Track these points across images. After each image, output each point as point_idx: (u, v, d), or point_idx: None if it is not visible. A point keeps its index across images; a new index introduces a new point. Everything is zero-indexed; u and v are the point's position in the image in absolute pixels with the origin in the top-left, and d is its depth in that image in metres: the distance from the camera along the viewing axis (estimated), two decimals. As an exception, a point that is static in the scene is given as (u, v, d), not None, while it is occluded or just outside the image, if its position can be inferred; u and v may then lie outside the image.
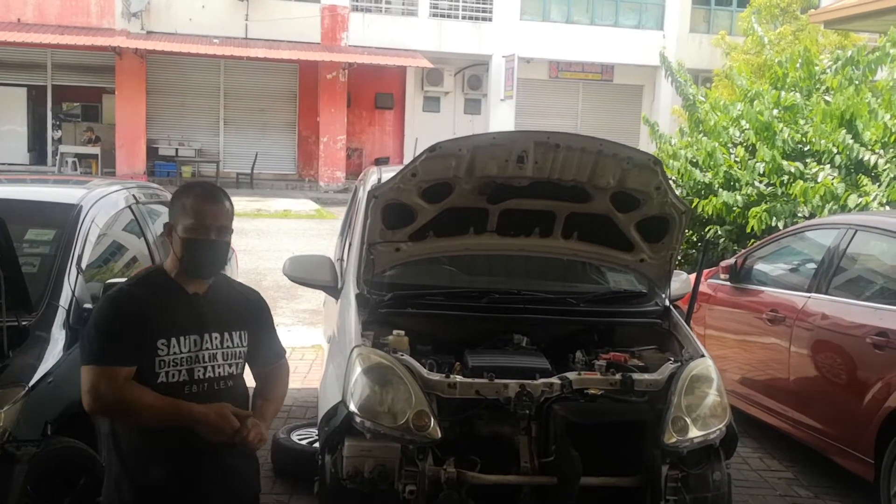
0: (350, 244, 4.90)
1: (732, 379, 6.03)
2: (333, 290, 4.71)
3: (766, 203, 7.81)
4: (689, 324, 4.43)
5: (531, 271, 4.95)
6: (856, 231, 5.46)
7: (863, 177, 7.47)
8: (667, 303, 4.50)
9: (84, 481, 3.52)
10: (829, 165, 7.85)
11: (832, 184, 7.40)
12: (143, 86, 22.50)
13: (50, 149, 23.16)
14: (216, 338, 2.63)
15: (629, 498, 3.69)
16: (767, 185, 8.17)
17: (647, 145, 13.36)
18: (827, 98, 8.85)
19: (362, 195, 4.93)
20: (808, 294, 5.52)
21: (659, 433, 3.65)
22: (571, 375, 3.82)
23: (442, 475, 3.56)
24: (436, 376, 3.72)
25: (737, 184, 8.30)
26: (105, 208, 4.70)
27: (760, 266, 6.38)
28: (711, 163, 8.57)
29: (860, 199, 7.04)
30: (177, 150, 23.09)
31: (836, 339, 5.20)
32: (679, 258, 6.80)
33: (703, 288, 6.42)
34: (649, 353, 4.29)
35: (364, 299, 4.21)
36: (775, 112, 8.74)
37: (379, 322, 4.18)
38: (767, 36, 15.88)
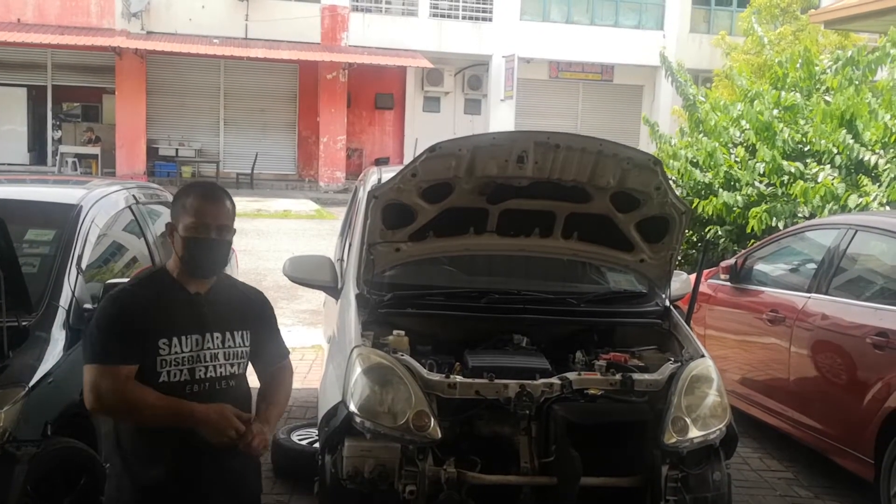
0: (350, 244, 4.90)
1: (732, 379, 6.03)
2: (333, 290, 4.71)
3: (766, 203, 7.81)
4: (689, 324, 4.43)
5: (531, 271, 4.95)
6: (856, 231, 5.46)
7: (863, 177, 7.47)
8: (667, 303, 4.50)
9: (84, 481, 3.53)
10: (829, 166, 7.85)
11: (832, 184, 7.40)
12: (143, 86, 22.51)
13: (50, 149, 23.16)
14: (217, 337, 2.63)
15: (629, 498, 3.69)
16: (767, 185, 8.17)
17: (647, 145, 13.37)
18: (827, 98, 8.85)
19: (362, 195, 4.93)
20: (809, 294, 5.52)
21: (659, 433, 3.65)
22: (571, 376, 3.82)
23: (442, 475, 3.56)
24: (436, 376, 3.72)
25: (737, 184, 8.30)
26: (105, 208, 4.70)
27: (760, 266, 6.38)
28: (711, 163, 8.57)
29: (860, 200, 7.04)
30: (177, 150, 23.09)
31: (836, 340, 5.20)
32: (679, 258, 6.81)
33: (703, 288, 6.42)
34: (649, 354, 4.30)
35: (364, 299, 4.21)
36: (775, 112, 8.74)
37: (379, 322, 4.18)
38: (767, 36, 15.88)
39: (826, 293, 5.40)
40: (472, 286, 4.64)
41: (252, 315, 2.76)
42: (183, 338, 2.57)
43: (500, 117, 24.47)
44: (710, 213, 8.26)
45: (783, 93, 8.92)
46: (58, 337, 3.79)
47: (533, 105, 25.54)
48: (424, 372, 3.71)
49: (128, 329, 2.51)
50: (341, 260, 5.11)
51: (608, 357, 4.07)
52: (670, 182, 4.11)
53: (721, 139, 8.97)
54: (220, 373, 2.63)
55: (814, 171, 7.79)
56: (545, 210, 4.25)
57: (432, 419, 3.55)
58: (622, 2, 25.54)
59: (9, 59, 22.41)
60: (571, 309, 4.42)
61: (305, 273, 4.78)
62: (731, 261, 6.57)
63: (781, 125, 8.47)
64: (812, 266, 5.80)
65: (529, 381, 3.72)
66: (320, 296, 5.81)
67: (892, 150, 7.46)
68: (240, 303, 2.75)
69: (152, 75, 22.89)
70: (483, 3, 24.66)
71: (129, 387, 2.47)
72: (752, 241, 7.64)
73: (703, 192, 8.69)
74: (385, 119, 25.77)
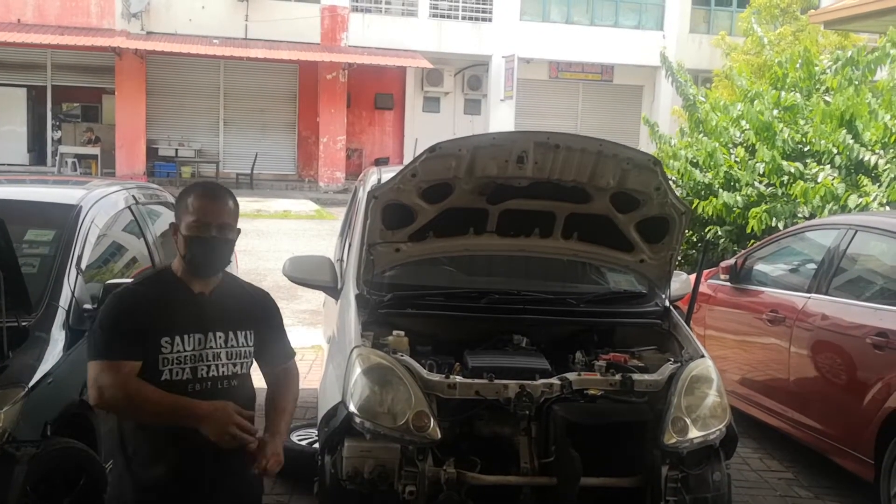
0: (350, 245, 4.90)
1: (732, 379, 6.03)
2: (333, 290, 4.71)
3: (766, 203, 7.81)
4: (688, 324, 4.43)
5: (531, 272, 4.95)
6: (856, 231, 5.46)
7: (863, 177, 7.47)
8: (667, 303, 4.50)
9: (84, 481, 3.53)
10: (829, 166, 7.85)
11: (832, 184, 7.40)
12: (143, 86, 22.50)
13: (50, 149, 23.15)
14: (220, 337, 2.64)
15: (629, 498, 3.69)
16: (767, 185, 8.17)
17: (647, 146, 13.37)
18: (827, 98, 8.85)
19: (362, 196, 4.93)
20: (808, 294, 5.52)
21: (659, 434, 3.65)
22: (571, 376, 3.82)
23: (442, 476, 3.56)
24: (436, 377, 3.72)
25: (737, 184, 8.30)
26: (105, 209, 4.70)
27: (760, 266, 6.38)
28: (711, 163, 8.57)
29: (860, 200, 7.04)
30: (176, 150, 23.08)
31: (836, 340, 5.20)
32: (679, 258, 6.81)
33: (702, 288, 6.42)
34: (649, 354, 4.30)
35: (364, 300, 4.21)
36: (775, 112, 8.74)
37: (379, 322, 4.18)
38: (767, 36, 15.88)
39: (826, 293, 5.40)
40: (471, 286, 4.64)
41: (256, 315, 2.76)
42: (185, 336, 2.58)
43: (500, 117, 24.46)
44: (710, 213, 8.26)
45: (783, 93, 8.92)
46: (57, 337, 3.79)
47: (533, 105, 25.54)
48: (424, 372, 3.71)
49: (130, 326, 2.53)
50: (341, 260, 5.11)
51: (608, 357, 4.08)
52: (670, 182, 4.11)
53: (721, 139, 8.97)
54: (223, 372, 2.63)
55: (814, 171, 7.79)
56: (545, 210, 4.25)
57: (432, 420, 3.55)
58: (622, 2, 25.54)
59: (8, 60, 22.41)
60: (571, 309, 4.43)
61: (305, 273, 4.77)
62: (731, 261, 6.57)
63: (781, 125, 8.48)
64: (812, 266, 5.79)
65: (529, 382, 3.72)
66: (320, 296, 5.81)
67: (891, 151, 7.46)
68: (244, 303, 2.75)
69: (152, 76, 22.89)
70: (483, 4, 24.65)
71: (131, 383, 2.48)
72: (752, 241, 7.64)
73: (703, 193, 8.69)
74: (385, 119, 25.77)
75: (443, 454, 3.63)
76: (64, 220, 4.34)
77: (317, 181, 23.51)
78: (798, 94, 8.96)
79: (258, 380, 2.81)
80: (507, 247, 4.46)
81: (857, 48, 9.26)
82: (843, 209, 7.12)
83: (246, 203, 17.99)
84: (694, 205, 8.33)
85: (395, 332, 4.03)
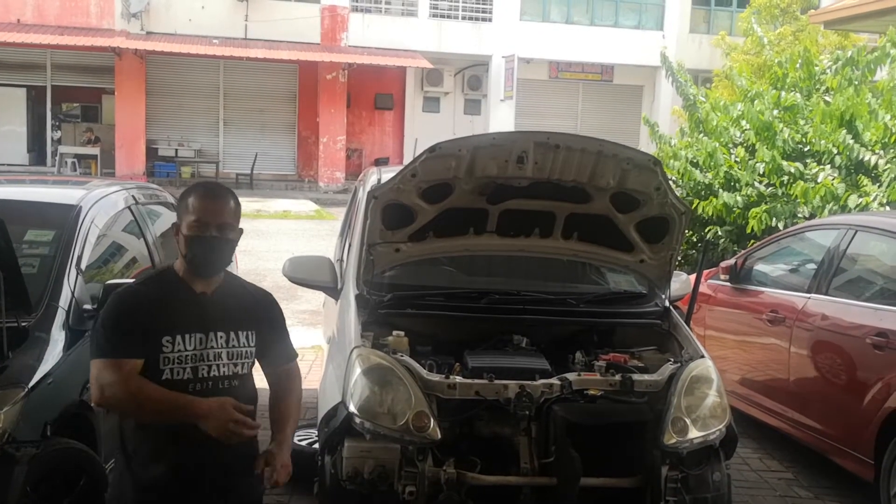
0: (350, 245, 4.90)
1: (732, 380, 6.03)
2: (333, 290, 4.71)
3: (766, 203, 7.81)
4: (688, 324, 4.43)
5: (531, 272, 4.94)
6: (856, 231, 5.46)
7: (863, 177, 7.47)
8: (667, 303, 4.50)
9: (84, 482, 3.52)
10: (829, 166, 7.85)
11: (832, 184, 7.40)
12: (143, 86, 22.50)
13: (49, 149, 23.15)
14: (221, 337, 2.64)
15: (629, 498, 3.69)
16: (767, 185, 8.17)
17: (647, 146, 13.38)
18: (827, 98, 8.85)
19: (362, 196, 4.93)
20: (808, 295, 5.52)
21: (659, 434, 3.65)
22: (571, 376, 3.82)
23: (442, 476, 3.56)
24: (435, 377, 3.72)
25: (737, 184, 8.30)
26: (104, 209, 4.70)
27: (760, 267, 6.38)
28: (712, 163, 8.57)
29: (860, 200, 7.04)
30: (176, 150, 23.08)
31: (835, 340, 5.20)
32: (679, 259, 6.81)
33: (702, 288, 6.42)
34: (649, 354, 4.30)
35: (364, 300, 4.20)
36: (775, 112, 8.74)
37: (379, 323, 4.18)
38: (767, 36, 15.88)
39: (826, 293, 5.39)
40: (471, 287, 4.64)
41: (258, 316, 2.76)
42: (187, 336, 2.58)
43: (500, 117, 24.46)
44: (710, 213, 8.26)
45: (783, 93, 8.92)
46: (57, 337, 3.79)
47: (533, 105, 25.54)
48: (424, 372, 3.71)
49: (131, 325, 2.53)
50: (341, 260, 5.11)
51: (608, 357, 4.08)
52: (670, 182, 4.11)
53: (721, 139, 8.97)
54: (224, 372, 2.63)
55: (814, 171, 7.79)
56: (545, 210, 4.25)
57: (432, 420, 3.55)
58: (622, 2, 25.54)
59: (8, 60, 22.41)
60: (571, 309, 4.43)
61: (305, 273, 4.77)
62: (731, 261, 6.57)
63: (781, 125, 8.48)
64: (812, 266, 5.79)
65: (529, 382, 3.72)
66: (320, 296, 5.81)
67: (891, 151, 7.46)
68: (246, 303, 2.75)
69: (152, 76, 22.89)
70: (483, 4, 24.65)
71: (131, 381, 2.48)
72: (752, 241, 7.64)
73: (703, 193, 8.69)
74: (385, 119, 25.77)
75: (443, 454, 3.63)
76: (64, 220, 4.33)
77: (317, 181, 23.51)
78: (798, 94, 8.96)
79: (260, 380, 2.80)
80: (507, 247, 4.46)
81: (857, 48, 9.26)
82: (843, 209, 7.12)
83: (246, 203, 17.92)
84: (694, 205, 8.33)
85: (394, 333, 4.03)
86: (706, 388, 3.86)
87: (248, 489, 2.75)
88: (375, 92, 25.06)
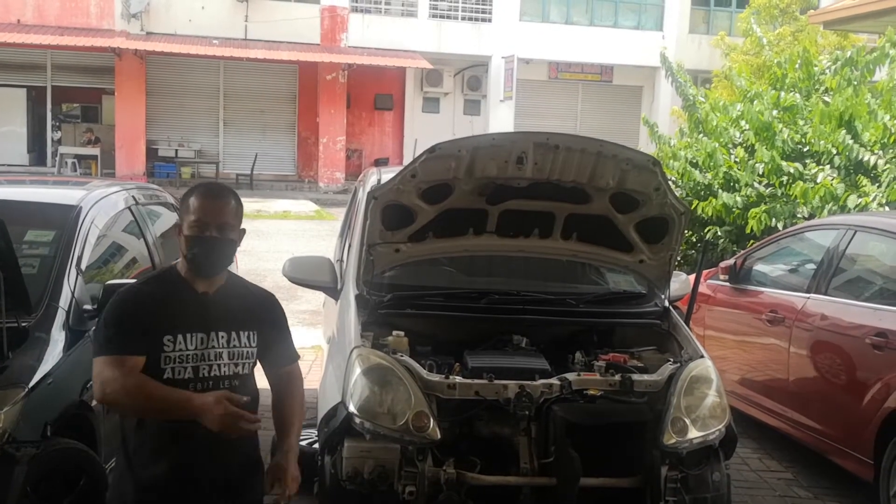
0: (350, 245, 4.90)
1: (732, 380, 6.03)
2: (333, 290, 4.71)
3: (765, 204, 7.81)
4: (688, 324, 4.43)
5: (530, 272, 4.95)
6: (855, 232, 5.46)
7: (862, 177, 7.47)
8: (666, 303, 4.51)
9: (83, 482, 3.53)
10: (828, 166, 7.85)
11: (831, 184, 7.40)
12: (143, 87, 22.50)
13: (49, 150, 23.15)
14: (223, 337, 2.64)
15: (629, 499, 3.70)
16: (767, 185, 8.18)
17: (646, 146, 13.38)
18: (826, 99, 8.86)
19: (362, 196, 4.94)
20: (808, 295, 5.52)
21: (658, 434, 3.66)
22: (571, 376, 3.82)
23: (441, 476, 3.56)
24: (435, 377, 3.72)
25: (736, 185, 8.31)
26: (104, 209, 4.70)
27: (760, 267, 6.39)
28: (711, 164, 8.57)
29: (859, 200, 7.04)
30: (176, 151, 23.08)
31: (835, 340, 5.20)
32: (678, 259, 6.81)
33: (702, 289, 6.42)
34: (649, 354, 4.30)
35: (364, 300, 4.21)
36: (774, 113, 8.75)
37: (378, 323, 4.18)
38: (766, 37, 15.88)
39: (825, 293, 5.40)
40: (471, 287, 4.64)
41: (259, 316, 2.76)
42: (188, 335, 2.58)
43: (500, 118, 24.47)
44: (710, 213, 8.26)
45: (782, 93, 8.93)
46: (57, 338, 3.79)
47: (532, 106, 25.54)
48: (424, 373, 3.72)
49: (133, 323, 2.54)
50: (341, 261, 5.11)
51: (607, 358, 4.08)
52: (669, 183, 4.12)
53: (721, 140, 8.98)
54: (224, 372, 2.63)
55: (813, 171, 7.80)
56: (544, 211, 4.25)
57: (432, 420, 3.55)
58: (621, 2, 25.55)
59: (8, 60, 22.40)
60: (571, 310, 4.43)
61: (305, 274, 4.78)
62: (731, 261, 6.57)
63: (781, 126, 8.48)
64: (811, 266, 5.80)
65: (529, 382, 3.72)
66: (320, 296, 5.81)
67: (891, 151, 7.46)
68: (248, 303, 2.75)
69: (152, 76, 22.89)
70: (482, 4, 24.65)
71: (132, 377, 2.48)
72: (752, 241, 7.65)
73: (702, 193, 8.70)
74: (384, 120, 25.77)
75: (442, 454, 3.64)
76: (64, 220, 4.34)
77: (316, 182, 23.51)
78: (797, 95, 8.96)
79: (261, 381, 2.80)
80: (507, 247, 4.47)
81: (856, 48, 9.26)
82: (843, 209, 7.12)
83: (246, 204, 17.66)
84: (693, 205, 8.33)
85: (394, 333, 4.03)
86: (706, 389, 3.86)
87: (248, 489, 2.75)
88: (375, 92, 25.06)
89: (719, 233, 8.47)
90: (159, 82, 23.26)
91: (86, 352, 3.83)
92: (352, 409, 3.59)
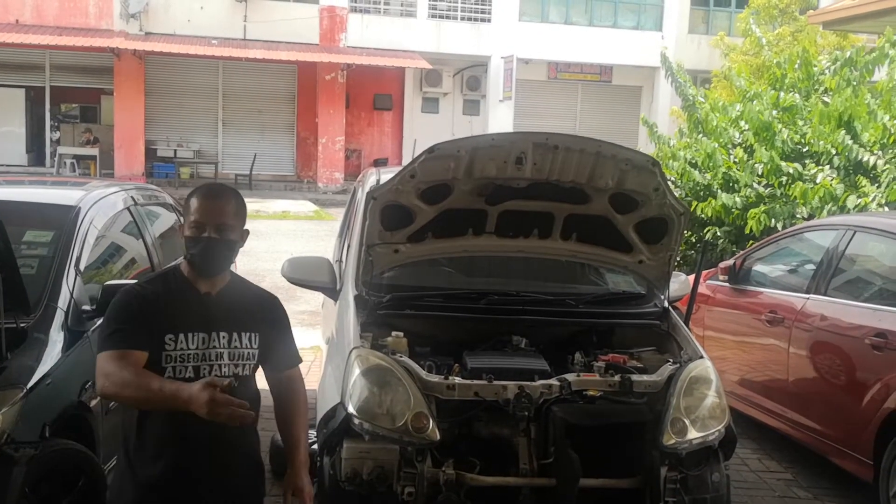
0: (349, 245, 4.89)
1: (731, 380, 6.03)
2: (332, 291, 4.71)
3: (764, 204, 7.82)
4: (687, 325, 4.43)
5: (530, 273, 4.94)
6: (854, 232, 5.46)
7: (861, 178, 7.47)
8: (666, 304, 4.50)
9: (82, 483, 3.52)
10: (827, 166, 7.86)
11: (831, 185, 7.40)
12: (142, 87, 22.50)
13: (48, 150, 23.15)
14: (224, 337, 2.64)
15: (628, 499, 3.69)
16: (766, 186, 8.18)
17: (645, 146, 13.38)
18: (825, 99, 8.86)
19: (361, 196, 4.93)
20: (807, 295, 5.52)
21: (658, 434, 3.65)
22: (570, 377, 3.82)
23: (441, 477, 3.56)
24: (435, 378, 3.72)
25: (736, 185, 8.31)
26: (103, 210, 4.70)
27: (759, 267, 6.38)
28: (710, 164, 8.57)
29: (859, 200, 7.04)
30: (175, 151, 23.08)
31: (834, 341, 5.20)
32: (678, 259, 6.81)
33: (701, 289, 6.42)
34: (648, 355, 4.29)
35: (363, 301, 4.20)
36: (774, 113, 8.75)
37: (378, 323, 4.17)
38: (766, 37, 15.88)
39: (825, 294, 5.40)
40: (470, 287, 4.64)
41: (261, 317, 2.76)
42: (189, 335, 2.58)
43: (499, 118, 24.47)
44: (709, 214, 8.26)
45: (782, 93, 8.93)
46: (56, 338, 3.79)
47: (532, 106, 25.55)
48: (423, 373, 3.71)
49: (135, 319, 2.54)
50: (340, 261, 5.11)
51: (607, 358, 4.07)
52: (669, 183, 4.11)
53: (720, 140, 8.98)
54: (225, 372, 2.63)
55: (812, 171, 7.80)
56: (544, 211, 4.25)
57: (431, 421, 3.55)
58: (621, 3, 25.55)
59: (7, 60, 22.40)
60: (570, 310, 4.42)
61: (304, 274, 4.77)
62: (730, 262, 6.57)
63: (780, 126, 8.48)
64: (811, 267, 5.80)
65: (528, 383, 3.71)
66: (319, 297, 5.80)
67: (890, 151, 7.46)
68: (250, 305, 2.75)
69: (151, 76, 22.89)
70: (481, 4, 24.66)
71: (128, 369, 2.47)
72: (751, 242, 7.65)
73: (701, 194, 8.70)
74: (384, 120, 25.77)
75: (442, 455, 3.63)
76: (63, 221, 4.33)
77: (315, 182, 23.52)
78: (797, 95, 8.96)
79: (261, 381, 2.80)
80: (506, 248, 4.46)
81: (856, 49, 9.26)
82: (842, 210, 7.12)
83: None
84: (693, 206, 8.33)
85: (393, 333, 4.02)
86: (705, 389, 3.86)
87: (249, 490, 2.75)
88: (374, 92, 25.06)
89: (718, 233, 8.47)
90: (158, 82, 23.26)
91: (84, 352, 3.84)
92: (351, 409, 3.59)
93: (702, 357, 4.04)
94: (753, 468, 5.63)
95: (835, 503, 5.17)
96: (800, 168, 7.89)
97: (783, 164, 7.93)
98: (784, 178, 7.92)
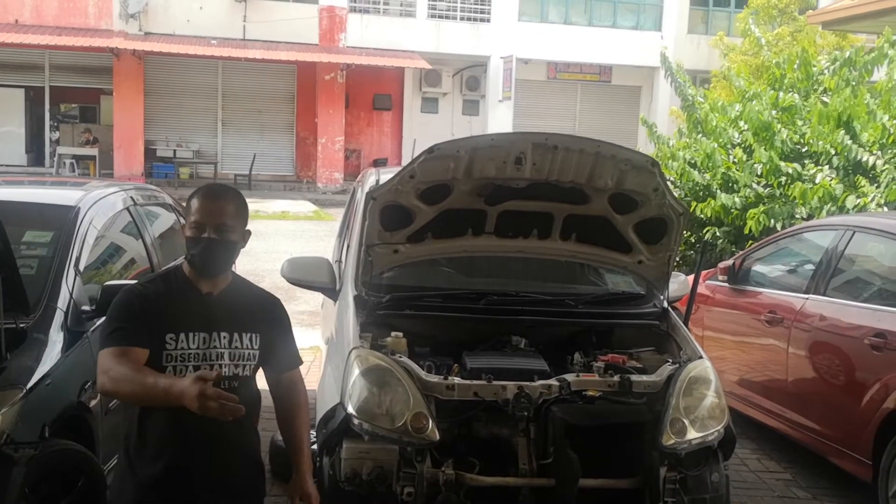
0: (348, 246, 4.89)
1: (731, 380, 6.03)
2: (332, 291, 4.71)
3: (764, 204, 7.82)
4: (687, 325, 4.43)
5: (529, 273, 4.95)
6: (854, 232, 5.46)
7: (861, 178, 7.47)
8: (665, 304, 4.50)
9: (82, 483, 3.52)
10: (827, 167, 7.86)
11: (830, 185, 7.40)
12: (141, 87, 22.49)
13: (48, 150, 23.14)
14: (224, 337, 2.64)
15: (627, 499, 3.69)
16: (765, 186, 8.18)
17: (645, 146, 13.39)
18: (825, 99, 8.86)
19: (360, 197, 4.93)
20: (806, 295, 5.52)
21: (657, 435, 3.65)
22: (570, 377, 3.82)
23: (440, 477, 3.56)
24: (434, 378, 3.72)
25: (735, 185, 8.31)
26: (103, 210, 4.70)
27: (758, 267, 6.39)
28: (710, 164, 8.57)
29: (858, 201, 7.04)
30: (175, 151, 23.08)
31: (834, 341, 5.20)
32: (677, 260, 6.81)
33: (701, 289, 6.42)
34: (647, 355, 4.30)
35: (362, 301, 4.20)
36: (773, 113, 8.75)
37: (377, 324, 4.17)
38: (765, 37, 15.87)
39: (824, 294, 5.40)
40: (470, 288, 4.64)
41: (262, 318, 2.76)
42: (190, 334, 2.59)
43: (499, 118, 24.47)
44: (709, 214, 8.26)
45: (781, 94, 8.93)
46: (56, 339, 3.79)
47: (531, 106, 25.55)
48: (423, 373, 3.71)
49: (136, 317, 2.55)
50: (339, 261, 5.11)
51: (606, 358, 4.07)
52: (668, 183, 4.11)
53: (720, 140, 8.98)
54: (225, 373, 2.63)
55: (812, 172, 7.80)
56: (543, 211, 4.25)
57: (430, 421, 3.55)
58: (620, 3, 25.56)
59: (6, 60, 22.39)
60: (570, 310, 4.42)
61: (303, 274, 4.77)
62: (729, 262, 6.57)
63: (779, 126, 8.48)
64: (810, 267, 5.80)
65: (528, 383, 3.71)
66: (318, 297, 5.80)
67: (889, 152, 7.46)
68: (251, 305, 2.75)
69: (150, 76, 22.88)
70: (481, 4, 24.66)
71: (125, 364, 2.46)
72: (750, 242, 7.65)
73: (701, 194, 8.70)
74: (383, 120, 25.77)
75: (441, 455, 3.63)
76: (62, 221, 4.33)
77: (315, 182, 23.51)
78: (796, 95, 8.96)
79: (262, 382, 2.80)
80: (506, 248, 4.46)
81: (855, 49, 9.26)
82: (841, 210, 7.13)
83: (244, 204, 17.94)
84: (692, 206, 8.33)
85: (393, 334, 4.02)
86: (704, 389, 3.86)
87: (249, 491, 2.75)
88: (374, 92, 25.06)
89: (718, 233, 8.47)
90: (157, 82, 23.26)
91: (84, 353, 3.84)
92: (350, 410, 3.59)
93: (701, 357, 4.04)
94: (753, 468, 5.63)
95: (834, 503, 5.17)
96: (799, 168, 7.89)
97: (782, 164, 7.93)
98: (783, 179, 7.92)
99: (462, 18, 24.69)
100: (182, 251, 2.72)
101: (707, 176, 8.65)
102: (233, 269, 2.79)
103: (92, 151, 21.85)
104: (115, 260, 5.01)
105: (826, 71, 9.34)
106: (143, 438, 2.59)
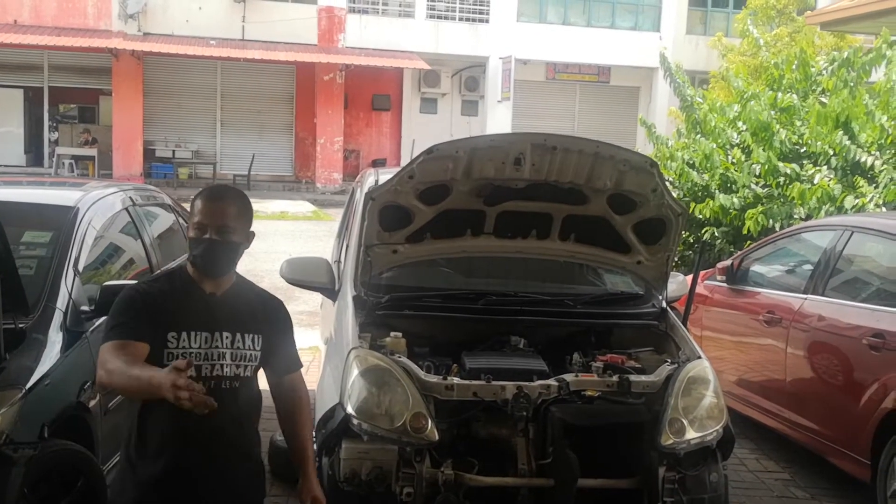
0: (347, 246, 4.90)
1: (729, 380, 6.04)
2: (331, 292, 4.71)
3: (762, 205, 7.83)
4: (685, 325, 4.44)
5: (528, 273, 4.95)
6: (852, 233, 5.47)
7: (859, 178, 7.48)
8: (664, 304, 4.51)
9: (81, 483, 3.52)
10: (825, 167, 7.86)
11: (829, 185, 7.41)
12: (140, 87, 22.47)
13: (46, 150, 23.12)
14: (227, 337, 2.65)
15: (626, 499, 3.70)
16: (764, 186, 8.19)
17: (643, 147, 13.38)
18: (823, 100, 8.87)
19: (359, 197, 4.94)
20: (805, 295, 5.53)
21: (656, 435, 3.66)
22: (569, 377, 3.82)
23: (439, 477, 3.56)
24: (433, 378, 3.72)
25: (733, 186, 8.32)
26: (102, 210, 4.70)
27: (757, 268, 6.39)
28: (708, 165, 8.58)
29: (856, 201, 7.05)
30: (174, 151, 23.05)
31: (832, 341, 5.20)
32: (676, 260, 6.81)
33: (699, 289, 6.42)
34: (646, 355, 4.30)
35: (361, 301, 4.21)
36: (772, 113, 8.75)
37: (376, 324, 4.18)
38: (763, 38, 15.87)
39: (822, 294, 5.40)
40: (469, 288, 4.64)
41: (264, 319, 2.76)
42: (192, 334, 2.60)
43: (497, 119, 24.47)
44: (707, 214, 8.27)
45: (779, 94, 8.93)
46: (55, 339, 3.79)
47: (530, 106, 25.55)
48: (422, 374, 3.72)
49: (139, 314, 2.56)
50: (338, 261, 5.11)
51: (605, 359, 4.08)
52: (667, 184, 4.12)
53: (718, 140, 8.99)
54: (226, 372, 2.64)
55: (810, 172, 7.81)
56: (542, 212, 4.25)
57: (429, 421, 3.55)
58: (619, 3, 25.57)
59: (5, 61, 22.37)
60: (568, 310, 4.43)
61: (303, 275, 4.77)
62: (728, 262, 6.57)
63: (778, 126, 8.49)
64: (808, 267, 5.80)
65: (526, 383, 3.72)
66: (317, 297, 5.81)
67: (888, 152, 7.47)
68: (254, 306, 2.76)
69: (149, 77, 22.87)
70: (480, 5, 24.66)
71: (120, 358, 2.46)
72: (749, 242, 7.65)
73: (699, 194, 8.70)
74: (382, 120, 25.76)
75: (440, 455, 3.64)
76: (61, 221, 4.33)
77: (314, 182, 23.51)
78: (794, 96, 8.97)
79: (262, 382, 2.80)
80: (505, 248, 4.47)
81: (853, 49, 9.27)
82: (840, 210, 7.13)
83: (243, 204, 17.92)
84: (691, 207, 8.34)
85: (392, 334, 4.03)
86: (703, 389, 3.87)
87: (249, 489, 2.75)
88: (373, 93, 25.05)
89: (716, 234, 8.48)
90: (156, 83, 23.24)
91: (83, 353, 3.84)
92: (349, 410, 3.59)
93: (700, 357, 4.04)
94: (751, 468, 5.63)
95: (832, 503, 5.17)
96: (797, 169, 7.90)
97: (781, 164, 7.94)
98: (782, 179, 7.93)
99: (461, 19, 24.70)
100: (181, 251, 2.73)
101: (706, 176, 8.66)
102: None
103: (91, 152, 21.84)
104: (114, 260, 5.01)
105: (824, 71, 9.35)
106: (144, 438, 2.60)
